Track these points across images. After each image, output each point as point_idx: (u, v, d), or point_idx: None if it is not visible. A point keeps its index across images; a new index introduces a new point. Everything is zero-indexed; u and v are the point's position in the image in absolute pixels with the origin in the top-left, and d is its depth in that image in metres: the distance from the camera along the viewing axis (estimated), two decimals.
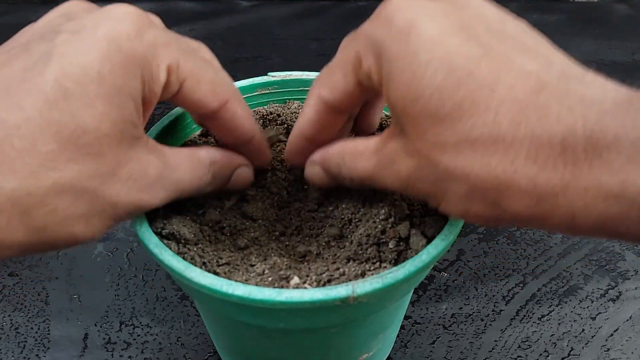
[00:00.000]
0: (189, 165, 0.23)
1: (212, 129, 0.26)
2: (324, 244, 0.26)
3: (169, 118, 0.30)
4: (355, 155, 0.23)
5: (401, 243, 0.25)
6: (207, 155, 0.24)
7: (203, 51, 0.26)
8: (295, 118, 0.32)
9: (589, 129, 0.17)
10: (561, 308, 0.38)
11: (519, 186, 0.18)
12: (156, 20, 0.23)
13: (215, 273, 0.23)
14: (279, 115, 0.32)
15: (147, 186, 0.22)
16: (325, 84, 0.23)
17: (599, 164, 0.16)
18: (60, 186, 0.19)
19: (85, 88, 0.19)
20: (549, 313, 0.38)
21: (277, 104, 0.34)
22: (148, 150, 0.22)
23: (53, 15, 0.22)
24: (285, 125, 0.32)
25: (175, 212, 0.26)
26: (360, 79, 0.22)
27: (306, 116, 0.24)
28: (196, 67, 0.22)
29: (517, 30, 0.20)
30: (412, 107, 0.19)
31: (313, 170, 0.26)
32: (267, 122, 0.32)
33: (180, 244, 0.24)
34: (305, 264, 0.25)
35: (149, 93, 0.21)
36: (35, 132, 0.18)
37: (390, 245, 0.25)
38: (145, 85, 0.21)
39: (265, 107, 0.33)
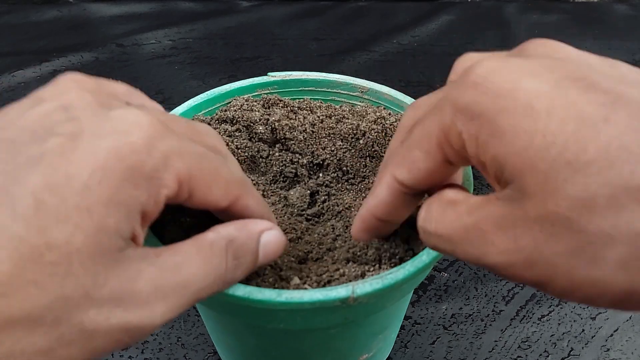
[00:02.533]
0: (198, 258, 0.20)
1: (221, 218, 0.23)
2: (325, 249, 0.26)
3: None
4: (446, 203, 0.19)
5: (402, 246, 0.25)
6: (218, 236, 0.20)
7: (212, 138, 0.23)
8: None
9: None
10: (561, 308, 0.38)
11: None
12: (172, 122, 0.21)
13: None
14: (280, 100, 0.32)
15: (137, 304, 0.18)
16: (402, 164, 0.20)
17: None
18: (12, 319, 0.15)
19: (64, 200, 0.16)
20: (549, 313, 0.38)
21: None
22: (139, 259, 0.18)
23: (51, 107, 0.19)
24: (289, 108, 0.32)
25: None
26: (448, 155, 0.19)
27: (378, 197, 0.22)
28: (209, 170, 0.20)
29: (632, 72, 0.17)
30: (541, 156, 0.16)
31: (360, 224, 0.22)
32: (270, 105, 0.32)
33: None
34: (305, 264, 0.25)
35: (153, 206, 0.19)
36: None
37: (391, 248, 0.25)
38: (150, 198, 0.18)
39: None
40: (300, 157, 0.32)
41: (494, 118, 0.17)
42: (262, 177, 0.31)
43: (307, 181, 0.31)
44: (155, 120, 0.19)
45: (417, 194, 0.21)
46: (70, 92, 0.19)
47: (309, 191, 0.29)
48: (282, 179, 0.31)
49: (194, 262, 0.19)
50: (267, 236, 0.22)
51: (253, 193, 0.23)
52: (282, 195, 0.29)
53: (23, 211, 0.16)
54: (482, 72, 0.17)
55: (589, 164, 0.15)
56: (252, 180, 0.30)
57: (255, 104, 0.32)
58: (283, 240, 0.23)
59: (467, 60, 0.20)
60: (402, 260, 0.24)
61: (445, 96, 0.18)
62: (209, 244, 0.20)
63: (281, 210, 0.29)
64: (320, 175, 0.31)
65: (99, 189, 0.17)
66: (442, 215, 0.19)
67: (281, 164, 0.32)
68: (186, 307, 0.19)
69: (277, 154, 0.32)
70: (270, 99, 0.33)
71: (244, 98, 0.33)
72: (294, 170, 0.31)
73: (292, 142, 0.32)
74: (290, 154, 0.32)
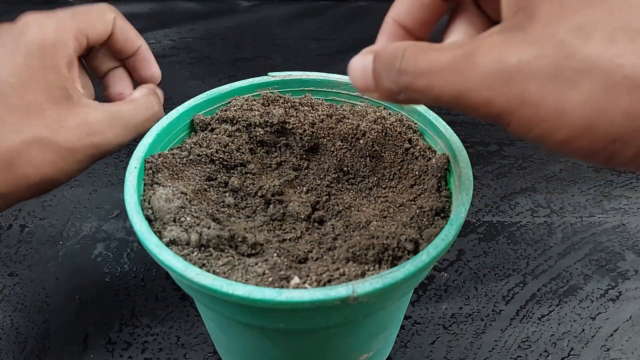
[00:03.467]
0: (131, 105, 0.31)
1: (105, 56, 0.33)
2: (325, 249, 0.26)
3: (162, 124, 0.30)
4: (425, 48, 0.19)
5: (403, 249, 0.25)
6: (141, 90, 0.33)
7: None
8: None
9: None
10: (561, 308, 0.38)
11: None
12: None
13: (215, 273, 0.23)
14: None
15: (94, 131, 0.28)
16: None
17: None
18: (26, 141, 0.27)
19: (21, 77, 0.28)
20: (549, 313, 0.38)
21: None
22: (84, 106, 0.29)
23: None
24: (289, 104, 0.33)
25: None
26: None
27: (397, 4, 0.22)
28: (87, 20, 0.31)
29: None
30: None
31: (360, 61, 0.22)
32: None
33: (180, 247, 0.24)
34: (305, 264, 0.25)
35: (67, 60, 0.29)
36: (2, 113, 0.27)
37: (391, 250, 0.25)
38: (65, 53, 0.29)
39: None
40: (300, 155, 0.32)
41: None
42: (263, 177, 0.31)
43: (309, 181, 0.31)
44: (40, 16, 0.30)
45: (440, 2, 0.22)
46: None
47: (309, 204, 0.29)
48: (283, 179, 0.31)
49: (128, 107, 0.30)
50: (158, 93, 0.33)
51: (125, 20, 0.32)
52: (283, 205, 0.29)
53: (5, 90, 0.27)
54: None
55: (601, 2, 0.16)
56: (252, 180, 0.30)
57: (255, 102, 0.32)
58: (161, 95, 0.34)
59: None
60: (401, 260, 0.24)
61: None
62: (135, 97, 0.32)
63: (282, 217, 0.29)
64: (317, 168, 0.31)
65: (34, 63, 0.28)
66: (425, 53, 0.19)
67: (281, 164, 0.32)
68: (132, 136, 0.30)
69: (277, 153, 0.32)
70: (270, 97, 0.33)
71: (244, 98, 0.33)
72: (294, 171, 0.31)
73: (292, 140, 0.32)
74: (290, 153, 0.32)
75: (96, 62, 0.33)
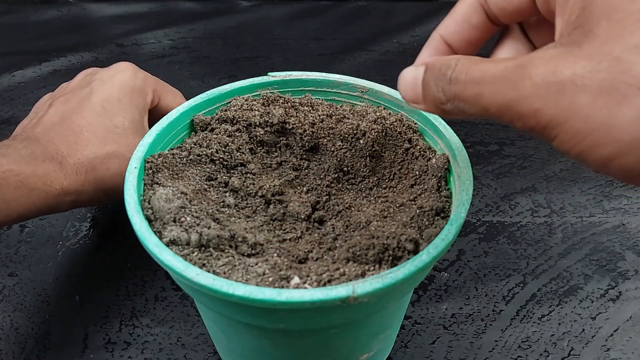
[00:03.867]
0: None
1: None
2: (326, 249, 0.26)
3: (162, 124, 0.30)
4: (477, 60, 0.19)
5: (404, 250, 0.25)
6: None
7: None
8: None
9: None
10: (561, 308, 0.38)
11: None
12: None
13: (215, 273, 0.23)
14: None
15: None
16: None
17: None
18: (109, 153, 0.35)
19: (113, 106, 0.37)
20: (549, 313, 0.38)
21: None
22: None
23: (82, 77, 0.40)
24: (289, 104, 0.33)
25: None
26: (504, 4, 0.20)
27: (455, 12, 0.23)
28: (163, 86, 0.42)
29: None
30: (623, 7, 0.17)
31: (412, 71, 0.22)
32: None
33: (180, 247, 0.24)
34: (306, 264, 0.25)
35: (146, 106, 0.39)
36: (94, 128, 0.35)
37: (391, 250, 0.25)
38: (144, 100, 0.39)
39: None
40: (300, 155, 0.32)
41: None
42: (264, 177, 0.31)
43: (309, 181, 0.31)
44: (132, 64, 0.40)
45: (494, 26, 0.22)
46: (88, 70, 0.41)
47: (309, 204, 0.29)
48: (284, 179, 0.31)
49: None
50: None
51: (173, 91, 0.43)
52: (283, 205, 0.29)
53: (99, 111, 0.36)
54: None
55: None
56: (252, 180, 0.30)
57: (255, 102, 0.32)
58: None
59: None
60: (402, 260, 0.24)
61: None
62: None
63: (282, 217, 0.29)
64: (316, 167, 0.31)
65: (125, 99, 0.37)
66: (477, 64, 0.19)
67: (281, 164, 0.32)
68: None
69: (277, 153, 0.32)
70: (270, 97, 0.33)
71: (244, 98, 0.33)
72: (294, 171, 0.31)
73: (293, 140, 0.32)
74: (290, 153, 0.32)
75: None
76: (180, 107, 0.31)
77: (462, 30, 0.23)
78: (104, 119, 0.35)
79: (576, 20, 0.18)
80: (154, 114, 0.40)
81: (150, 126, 0.39)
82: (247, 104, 0.32)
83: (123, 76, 0.38)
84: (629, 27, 0.16)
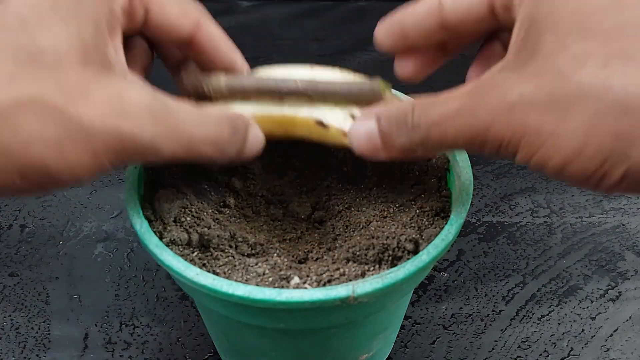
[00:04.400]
0: (198, 113, 0.21)
1: (193, 58, 0.25)
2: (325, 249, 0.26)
3: None
4: (434, 101, 0.20)
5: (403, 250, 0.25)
6: (219, 108, 0.22)
7: None
8: None
9: None
10: (561, 308, 0.38)
11: None
12: None
13: (215, 273, 0.23)
14: None
15: (127, 114, 0.19)
16: None
17: None
18: (20, 100, 0.18)
19: (41, 13, 0.19)
20: (548, 313, 0.38)
21: None
22: (128, 80, 0.20)
23: None
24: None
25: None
26: (495, 1, 0.20)
27: (415, 9, 0.23)
28: None
29: None
30: (565, 21, 0.17)
31: (362, 125, 0.22)
32: None
33: (181, 247, 0.24)
34: (306, 264, 0.25)
35: (113, 18, 0.21)
36: None
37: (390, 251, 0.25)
38: (110, 6, 0.20)
39: None
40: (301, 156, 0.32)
41: None
42: (264, 177, 0.31)
43: (309, 181, 0.31)
44: None
45: (446, 31, 0.22)
46: None
47: (309, 204, 0.29)
48: (284, 180, 0.31)
49: (191, 112, 0.21)
50: (252, 130, 0.23)
51: (212, 21, 0.24)
52: (283, 205, 0.29)
53: (11, 24, 0.19)
54: None
55: (599, 34, 0.17)
56: (253, 180, 0.30)
57: None
58: (263, 139, 0.23)
59: None
60: (401, 260, 0.24)
61: None
62: (207, 111, 0.21)
63: (282, 217, 0.29)
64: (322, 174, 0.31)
65: (65, 4, 0.19)
66: (433, 105, 0.20)
67: (282, 164, 0.32)
68: (176, 148, 0.20)
69: (278, 152, 0.32)
70: None
71: None
72: (294, 171, 0.31)
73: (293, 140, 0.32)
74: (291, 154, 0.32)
75: (165, 50, 0.25)
76: None
77: (416, 27, 0.23)
78: (18, 37, 0.19)
79: (525, 36, 0.19)
80: (148, 35, 0.24)
81: (136, 63, 0.23)
82: None
83: None
84: (570, 38, 0.17)
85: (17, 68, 0.18)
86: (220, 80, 0.24)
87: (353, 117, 0.24)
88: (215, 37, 0.24)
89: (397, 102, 0.22)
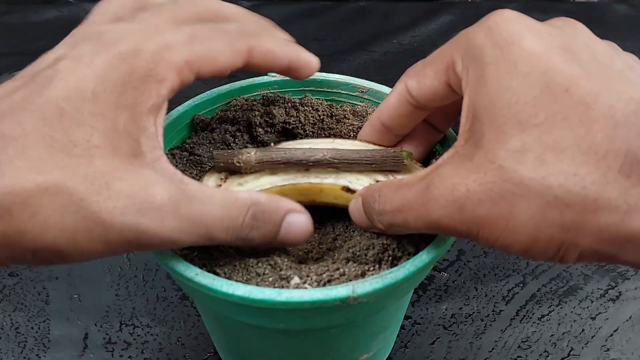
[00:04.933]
0: (221, 201, 0.21)
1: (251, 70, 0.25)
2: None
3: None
4: (397, 185, 0.22)
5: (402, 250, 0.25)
6: (247, 195, 0.22)
7: (204, 3, 0.25)
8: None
9: None
10: (561, 308, 0.38)
11: (609, 198, 0.17)
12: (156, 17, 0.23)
13: (215, 273, 0.23)
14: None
15: (149, 209, 0.19)
16: (415, 77, 0.24)
17: None
18: (44, 187, 0.18)
19: (79, 107, 0.20)
20: (549, 313, 0.38)
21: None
22: (156, 170, 0.20)
23: (61, 44, 0.23)
24: (290, 104, 0.32)
25: None
26: (450, 81, 0.22)
27: (388, 102, 0.25)
28: (203, 45, 0.22)
29: (625, 67, 0.19)
30: (502, 113, 0.18)
31: (355, 204, 0.24)
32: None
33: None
34: (306, 264, 0.25)
35: (158, 99, 0.21)
36: (28, 143, 0.19)
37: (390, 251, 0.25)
38: (152, 94, 0.21)
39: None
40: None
41: (486, 66, 0.19)
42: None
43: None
44: (137, 27, 0.21)
45: (420, 110, 0.25)
46: (78, 31, 0.23)
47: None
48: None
49: (217, 203, 0.21)
50: (293, 217, 0.22)
51: (270, 35, 0.25)
52: None
53: (49, 116, 0.19)
54: (498, 18, 0.20)
55: (534, 127, 0.18)
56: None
57: (255, 102, 0.32)
58: (309, 227, 0.23)
59: (499, 14, 0.22)
60: (401, 260, 0.24)
61: (466, 30, 0.21)
62: (235, 197, 0.22)
63: None
64: None
65: (105, 95, 0.20)
66: (395, 192, 0.21)
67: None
68: (195, 239, 0.21)
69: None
70: (270, 97, 0.33)
71: (244, 98, 0.33)
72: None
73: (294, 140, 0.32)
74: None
75: None
76: (180, 107, 0.31)
77: (395, 117, 0.26)
78: (54, 129, 0.19)
79: (470, 127, 0.20)
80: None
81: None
82: (247, 104, 0.32)
83: (114, 52, 0.20)
84: (509, 132, 0.18)
85: (47, 156, 0.19)
86: (251, 154, 0.26)
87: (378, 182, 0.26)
88: (268, 52, 0.24)
89: (417, 169, 0.25)
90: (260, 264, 0.24)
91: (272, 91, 0.34)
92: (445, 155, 0.21)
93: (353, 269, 0.23)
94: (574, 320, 0.37)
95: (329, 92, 0.34)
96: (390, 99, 0.25)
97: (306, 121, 0.32)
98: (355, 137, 0.31)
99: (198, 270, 0.22)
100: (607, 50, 0.20)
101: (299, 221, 0.23)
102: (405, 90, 0.24)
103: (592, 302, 0.38)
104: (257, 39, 0.24)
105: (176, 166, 0.29)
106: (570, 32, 0.20)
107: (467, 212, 0.19)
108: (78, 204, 0.19)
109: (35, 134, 0.19)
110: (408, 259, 0.24)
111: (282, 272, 0.23)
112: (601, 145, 0.17)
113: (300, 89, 0.34)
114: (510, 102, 0.18)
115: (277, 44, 0.24)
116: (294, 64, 0.25)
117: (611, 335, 0.36)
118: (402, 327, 0.36)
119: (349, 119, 0.32)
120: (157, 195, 0.20)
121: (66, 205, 0.19)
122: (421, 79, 0.23)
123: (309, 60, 0.25)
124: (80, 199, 0.19)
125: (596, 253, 0.18)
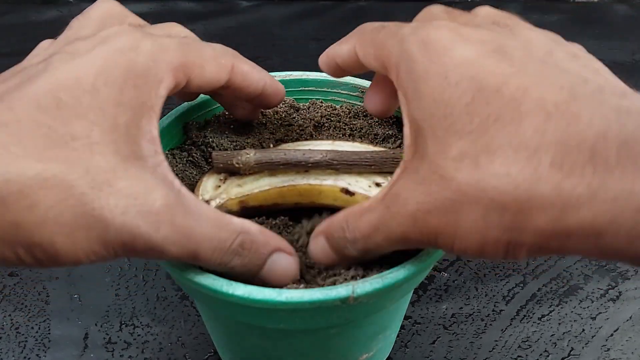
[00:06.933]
0: (214, 221, 0.21)
1: (227, 96, 0.27)
2: None
3: (161, 125, 0.30)
4: (360, 212, 0.21)
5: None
6: (240, 222, 0.21)
7: (183, 30, 0.26)
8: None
9: (624, 134, 0.16)
10: (561, 308, 0.38)
11: (542, 195, 0.16)
12: (150, 28, 0.25)
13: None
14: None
15: (149, 213, 0.19)
16: (362, 49, 0.23)
17: (632, 170, 0.15)
18: (44, 179, 0.17)
19: (78, 99, 0.19)
20: (549, 313, 0.38)
21: None
22: (156, 176, 0.20)
23: (48, 46, 0.23)
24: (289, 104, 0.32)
25: None
26: (386, 72, 0.22)
27: (341, 46, 0.25)
28: (195, 53, 0.23)
29: (566, 58, 0.19)
30: (440, 125, 0.19)
31: (316, 244, 0.23)
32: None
33: None
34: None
35: (156, 100, 0.21)
36: (23, 130, 0.18)
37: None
38: (151, 94, 0.20)
39: None
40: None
41: (420, 80, 0.19)
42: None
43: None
44: (133, 29, 0.22)
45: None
46: (73, 26, 0.24)
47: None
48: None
49: (207, 220, 0.20)
50: (281, 257, 0.22)
51: (244, 60, 0.26)
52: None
53: (46, 104, 0.18)
54: (432, 28, 0.20)
55: (470, 133, 0.18)
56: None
57: None
58: (294, 271, 0.23)
59: (430, 14, 0.23)
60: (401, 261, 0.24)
61: (403, 30, 0.21)
62: (228, 220, 0.21)
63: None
64: None
65: (106, 90, 0.19)
66: (360, 219, 0.21)
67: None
68: (182, 253, 0.20)
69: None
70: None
71: None
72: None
73: (292, 140, 0.32)
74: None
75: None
76: (180, 107, 0.31)
77: (348, 64, 0.25)
78: (51, 118, 0.18)
79: (414, 140, 0.20)
80: (185, 95, 0.28)
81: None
82: None
83: (112, 47, 0.20)
84: (448, 140, 0.18)
85: (47, 147, 0.18)
86: (250, 155, 0.26)
87: (377, 184, 0.26)
88: (248, 72, 0.25)
89: (338, 216, 0.23)
90: None
91: None
92: (397, 171, 0.21)
93: (353, 269, 0.23)
94: (574, 320, 0.37)
95: (329, 92, 0.34)
96: (342, 49, 0.25)
97: (306, 122, 0.32)
98: (355, 139, 0.31)
99: (198, 270, 0.22)
100: (547, 45, 0.20)
101: (286, 263, 0.22)
102: (353, 52, 0.24)
103: (592, 302, 0.38)
104: (238, 59, 0.25)
105: (176, 166, 0.29)
106: (506, 32, 0.20)
107: (421, 224, 0.19)
108: (79, 199, 0.18)
109: (29, 122, 0.18)
110: (408, 259, 0.24)
111: None
112: (532, 140, 0.17)
113: (300, 89, 0.34)
114: (446, 113, 0.18)
115: (254, 67, 0.26)
116: (267, 90, 0.26)
117: (611, 335, 0.36)
118: (402, 327, 0.36)
119: (349, 119, 0.32)
120: (156, 201, 0.19)
121: (67, 199, 0.18)
122: (366, 52, 0.23)
123: (280, 87, 0.27)
124: (81, 193, 0.18)
125: (544, 248, 0.18)
